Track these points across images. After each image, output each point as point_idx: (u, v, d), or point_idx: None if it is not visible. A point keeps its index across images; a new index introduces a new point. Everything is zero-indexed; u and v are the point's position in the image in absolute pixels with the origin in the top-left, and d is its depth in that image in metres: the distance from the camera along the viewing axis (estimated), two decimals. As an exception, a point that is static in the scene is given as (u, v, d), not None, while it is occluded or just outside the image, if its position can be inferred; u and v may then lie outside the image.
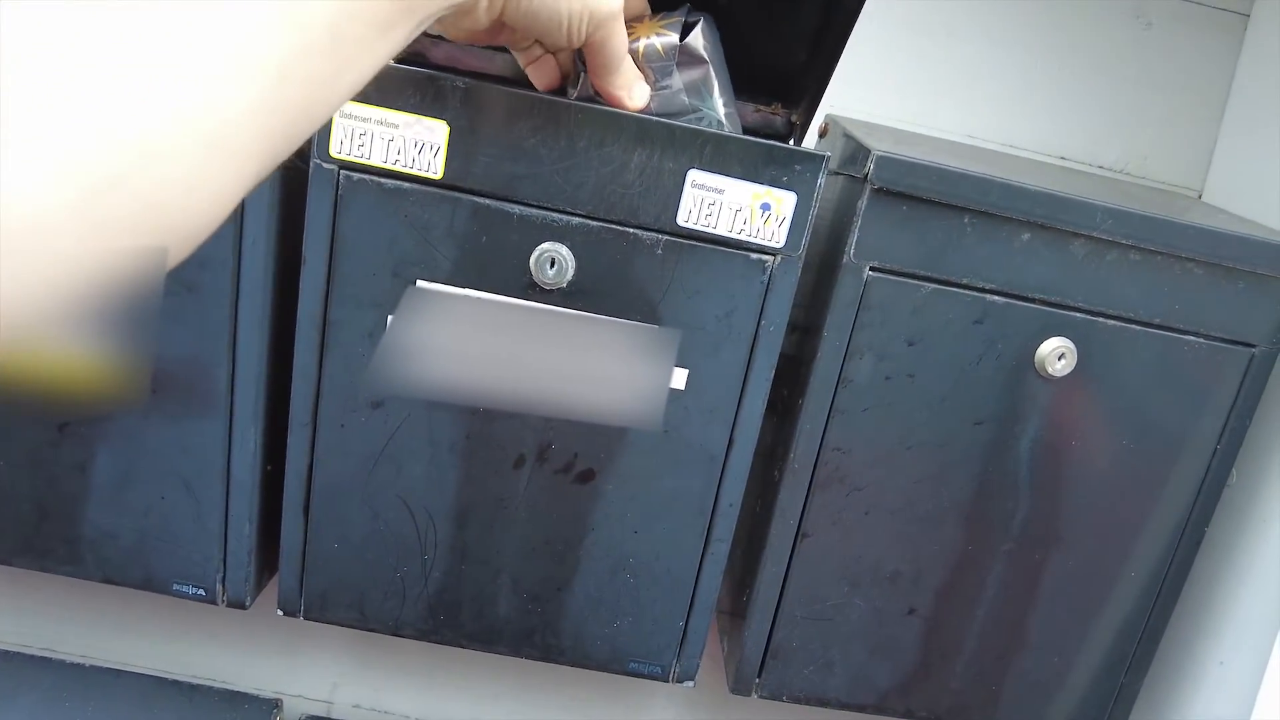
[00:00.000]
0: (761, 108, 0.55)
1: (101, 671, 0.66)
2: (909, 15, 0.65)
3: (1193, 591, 0.57)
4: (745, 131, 0.48)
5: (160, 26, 0.21)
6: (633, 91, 0.42)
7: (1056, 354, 0.49)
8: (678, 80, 0.44)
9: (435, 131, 0.45)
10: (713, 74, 0.44)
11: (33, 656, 0.66)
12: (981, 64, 0.66)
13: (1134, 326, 0.49)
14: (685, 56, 0.43)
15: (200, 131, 0.21)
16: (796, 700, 0.56)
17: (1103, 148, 0.67)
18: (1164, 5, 0.65)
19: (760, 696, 0.55)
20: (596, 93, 0.43)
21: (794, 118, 0.55)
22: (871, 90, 0.66)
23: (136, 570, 0.54)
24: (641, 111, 0.44)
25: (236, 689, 0.67)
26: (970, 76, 0.66)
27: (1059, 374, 0.49)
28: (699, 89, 0.44)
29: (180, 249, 0.22)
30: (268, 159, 0.24)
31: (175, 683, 0.66)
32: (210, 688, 0.66)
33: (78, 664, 0.66)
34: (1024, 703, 0.57)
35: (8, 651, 0.66)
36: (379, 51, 0.27)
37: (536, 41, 0.42)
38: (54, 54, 0.19)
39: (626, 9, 0.40)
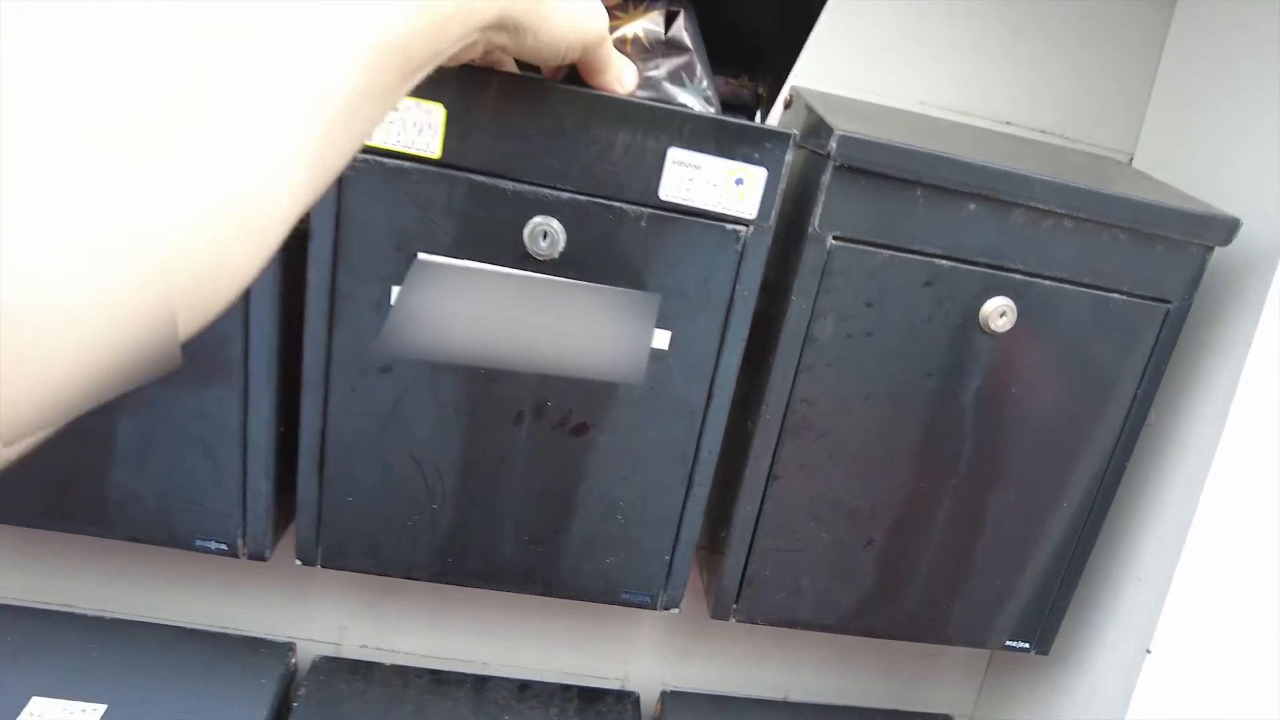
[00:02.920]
0: (730, 80, 0.59)
1: (123, 624, 0.70)
2: (869, -11, 0.69)
3: (1115, 518, 0.65)
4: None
5: (191, 123, 0.20)
6: (622, 80, 0.45)
7: (998, 312, 0.55)
8: (662, 69, 0.48)
9: (433, 114, 0.48)
10: (695, 61, 0.48)
11: (55, 611, 0.70)
12: (933, 35, 0.70)
13: (1066, 286, 0.55)
14: (670, 47, 0.47)
15: (235, 225, 0.21)
16: (769, 622, 0.62)
17: (1044, 113, 0.73)
18: (1104, -20, 0.70)
19: (737, 620, 0.62)
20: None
21: (760, 90, 0.59)
22: (831, 59, 0.70)
23: (160, 529, 0.58)
24: (624, 95, 0.48)
25: (252, 635, 0.72)
26: (923, 47, 0.71)
27: (1000, 330, 0.55)
28: (681, 75, 0.48)
29: (205, 317, 0.22)
30: (295, 219, 0.25)
31: (194, 631, 0.71)
32: (228, 635, 0.71)
33: (99, 617, 0.70)
34: (970, 620, 0.64)
35: (30, 608, 0.70)
36: (389, 107, 0.28)
37: None
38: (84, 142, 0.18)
39: None
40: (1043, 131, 0.73)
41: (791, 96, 0.63)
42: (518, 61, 0.48)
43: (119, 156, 0.19)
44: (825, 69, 0.70)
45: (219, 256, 0.21)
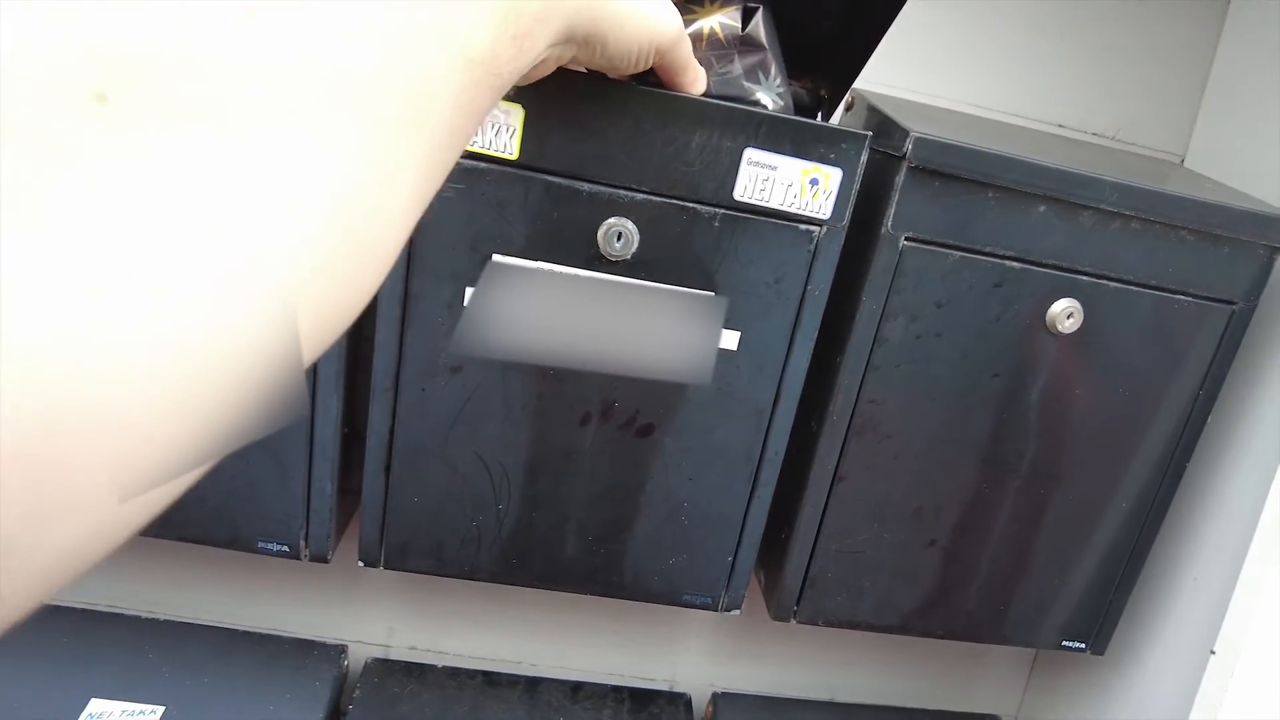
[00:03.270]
0: (793, 81, 0.59)
1: (175, 625, 0.70)
2: (922, -9, 0.69)
3: (1173, 519, 0.65)
4: (781, 105, 0.52)
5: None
6: (696, 85, 0.45)
7: (1066, 313, 0.55)
8: (738, 65, 0.48)
9: (511, 115, 0.48)
10: (770, 59, 0.48)
11: (111, 614, 0.70)
12: (984, 38, 0.70)
13: (1133, 288, 0.56)
14: (746, 44, 0.47)
15: (350, 244, 0.21)
16: (830, 624, 0.62)
17: (1096, 115, 0.73)
18: (1155, -17, 0.70)
19: (798, 622, 0.62)
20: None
21: (823, 92, 0.59)
22: (884, 61, 0.70)
23: (223, 530, 0.58)
24: (702, 94, 0.48)
25: (303, 637, 0.72)
26: (975, 50, 0.71)
27: (1067, 331, 0.55)
28: (756, 74, 0.48)
29: (321, 346, 0.22)
30: (406, 238, 0.25)
31: (247, 634, 0.71)
32: (281, 637, 0.71)
33: (152, 619, 0.70)
34: (1027, 620, 0.65)
35: (86, 610, 0.70)
36: (480, 124, 0.29)
37: None
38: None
39: None
40: (1095, 134, 0.73)
41: (853, 99, 0.63)
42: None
43: (233, 184, 0.18)
44: (879, 71, 0.70)
45: (336, 280, 0.21)
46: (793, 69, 0.58)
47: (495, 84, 0.28)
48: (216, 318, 0.17)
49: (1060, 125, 0.73)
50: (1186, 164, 0.74)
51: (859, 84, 0.69)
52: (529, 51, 0.30)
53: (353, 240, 0.21)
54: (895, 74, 0.70)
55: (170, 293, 0.16)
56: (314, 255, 0.20)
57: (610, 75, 0.44)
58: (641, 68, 0.41)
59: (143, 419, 0.16)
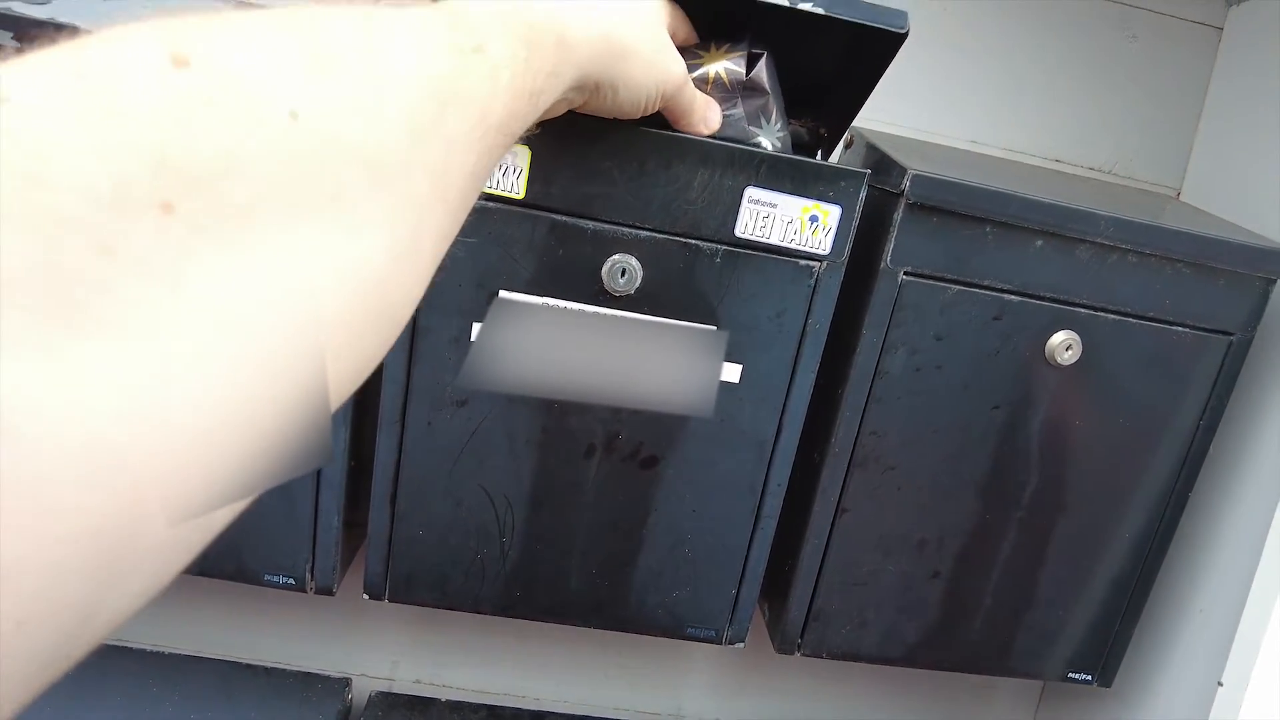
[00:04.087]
0: (793, 121, 0.61)
1: (179, 659, 0.70)
2: (917, 31, 0.71)
3: (1178, 550, 0.65)
4: (782, 145, 0.53)
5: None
6: (708, 121, 0.47)
7: (1064, 345, 0.55)
8: (740, 109, 0.49)
9: (518, 156, 0.50)
10: (772, 103, 0.49)
11: (114, 647, 0.70)
12: (982, 76, 0.72)
13: (1130, 319, 0.56)
14: (749, 89, 0.48)
15: (370, 305, 0.22)
16: (835, 657, 0.62)
17: (1092, 150, 0.74)
18: (1147, 21, 0.72)
19: (803, 655, 0.62)
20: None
21: (823, 130, 0.61)
22: (884, 99, 0.72)
23: (229, 563, 0.59)
24: (706, 135, 0.49)
25: (306, 670, 0.71)
26: (973, 87, 0.72)
27: (1066, 363, 0.56)
28: (759, 117, 0.49)
29: (336, 404, 0.23)
30: (419, 298, 0.26)
31: (250, 667, 0.70)
32: (285, 670, 0.71)
33: (156, 651, 0.70)
34: (1032, 651, 0.64)
35: (87, 642, 0.70)
36: (491, 173, 0.30)
37: None
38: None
39: (677, 38, 0.44)
40: (1092, 169, 0.74)
41: (852, 137, 0.64)
42: None
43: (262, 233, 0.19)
44: (879, 109, 0.71)
45: (362, 343, 0.22)
46: (793, 108, 0.59)
47: (508, 142, 0.29)
48: (267, 389, 0.19)
49: (1058, 160, 0.74)
50: (1183, 197, 0.75)
51: (858, 122, 0.70)
52: (542, 106, 0.31)
53: (379, 310, 0.23)
54: (894, 112, 0.72)
55: (233, 370, 0.18)
56: (349, 328, 0.21)
57: (618, 119, 0.46)
58: (648, 112, 0.43)
59: (198, 473, 0.18)
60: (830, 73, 0.56)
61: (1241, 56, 0.70)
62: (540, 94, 0.30)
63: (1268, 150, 0.66)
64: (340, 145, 0.20)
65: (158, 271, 0.16)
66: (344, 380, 0.22)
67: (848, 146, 0.64)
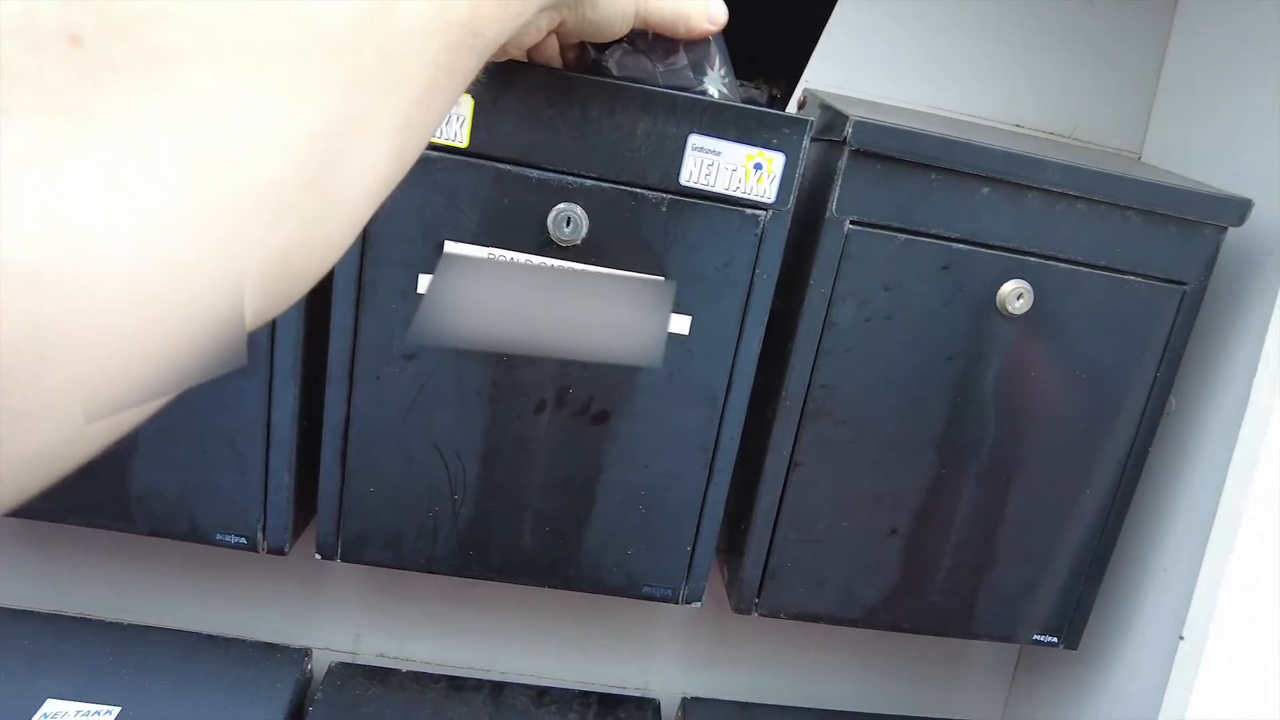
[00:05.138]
0: (745, 83, 0.61)
1: (138, 629, 0.69)
2: (876, -3, 0.71)
3: (1141, 507, 0.64)
4: (736, 102, 0.53)
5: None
6: (712, 16, 0.43)
7: (1015, 294, 0.55)
8: (684, 57, 0.49)
9: (461, 105, 0.50)
10: (714, 50, 0.49)
11: (71, 617, 0.70)
12: (940, 41, 0.72)
13: (1082, 269, 0.56)
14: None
15: (314, 197, 0.21)
16: (792, 617, 0.62)
17: (1054, 116, 0.74)
18: (1104, -14, 0.72)
19: (760, 615, 0.61)
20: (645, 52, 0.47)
21: (775, 92, 0.61)
22: (842, 68, 0.72)
23: (181, 523, 0.58)
24: (649, 85, 0.49)
25: (268, 641, 0.71)
26: (933, 54, 0.72)
27: (1018, 313, 0.56)
28: (702, 64, 0.50)
29: (287, 298, 0.22)
30: (380, 200, 0.25)
31: (210, 637, 0.70)
32: (243, 641, 0.70)
33: (115, 623, 0.70)
34: (996, 613, 0.64)
35: (46, 614, 0.70)
36: (464, 88, 0.28)
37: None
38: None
39: None
40: (1052, 134, 0.74)
41: (805, 97, 0.65)
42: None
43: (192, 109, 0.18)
44: (837, 75, 0.72)
45: (300, 230, 0.21)
46: (744, 71, 0.59)
47: (478, 45, 0.28)
48: (182, 251, 0.18)
49: (1017, 126, 0.74)
50: (1144, 160, 0.75)
51: (816, 86, 0.71)
52: (517, 15, 0.31)
53: (319, 192, 0.22)
54: (854, 79, 0.72)
55: (141, 222, 0.17)
56: (280, 200, 0.20)
57: (595, 41, 0.44)
58: (625, 30, 0.42)
59: (113, 341, 0.17)
60: (774, 32, 0.56)
61: (1199, 16, 0.71)
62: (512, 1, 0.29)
63: (1227, 110, 0.66)
64: (278, 11, 0.20)
65: (67, 107, 0.16)
66: (271, 269, 0.21)
67: (801, 107, 0.65)
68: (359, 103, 0.22)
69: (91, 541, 0.73)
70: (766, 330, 0.55)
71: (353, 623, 0.77)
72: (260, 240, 0.20)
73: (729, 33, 0.52)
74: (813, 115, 0.62)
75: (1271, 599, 0.58)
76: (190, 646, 0.69)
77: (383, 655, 0.77)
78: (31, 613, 0.69)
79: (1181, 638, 0.59)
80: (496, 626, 0.77)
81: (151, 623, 0.71)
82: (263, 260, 0.20)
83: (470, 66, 0.28)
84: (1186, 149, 0.70)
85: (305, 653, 0.70)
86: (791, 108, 0.63)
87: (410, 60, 0.24)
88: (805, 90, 0.66)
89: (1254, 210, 0.55)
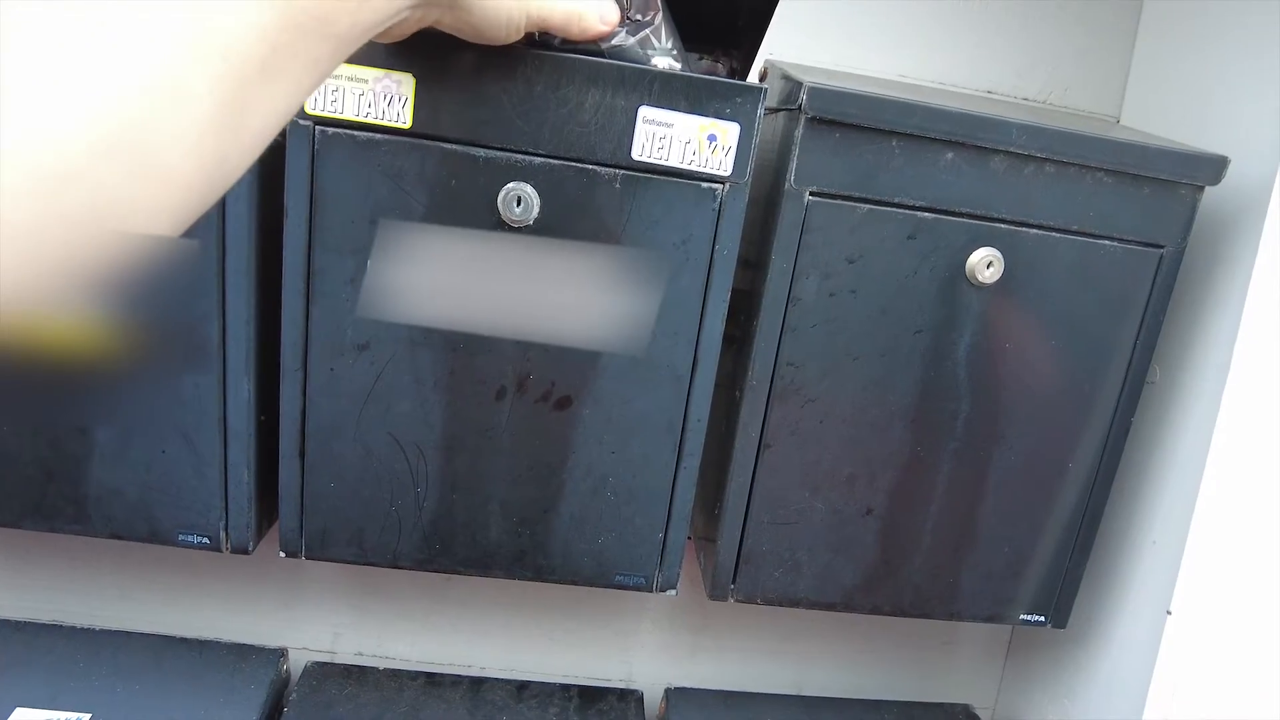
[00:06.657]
0: (704, 56, 0.59)
1: (111, 634, 0.69)
2: (841, -33, 0.69)
3: (1126, 480, 0.62)
4: (690, 74, 0.51)
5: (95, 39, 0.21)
6: (604, 17, 0.43)
7: (985, 263, 0.54)
8: (627, 36, 0.47)
9: (403, 84, 0.48)
10: (662, 23, 0.48)
11: (43, 625, 0.69)
12: (910, 8, 0.70)
13: (1054, 234, 0.54)
14: (639, 10, 0.47)
15: (128, 156, 0.22)
16: (769, 602, 0.60)
17: (1026, 81, 0.72)
18: (1076, -54, 0.70)
19: (735, 600, 0.60)
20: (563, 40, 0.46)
21: (734, 64, 0.59)
22: (806, 39, 0.70)
23: (141, 524, 0.57)
24: (598, 57, 0.47)
25: (243, 642, 0.70)
26: (900, 21, 0.71)
27: (988, 281, 0.54)
28: (649, 38, 0.48)
29: (161, 225, 0.23)
30: (213, 169, 0.25)
31: (184, 640, 0.69)
32: (218, 642, 0.69)
33: (87, 628, 0.69)
34: (980, 593, 0.62)
35: (17, 621, 0.69)
36: (319, 75, 0.28)
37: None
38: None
39: None
40: (1026, 99, 0.72)
41: (766, 69, 0.63)
42: None
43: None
44: (803, 45, 0.70)
45: (115, 188, 0.21)
46: (701, 45, 0.58)
47: (329, 33, 0.27)
48: None
49: (990, 93, 0.72)
50: (1122, 123, 0.73)
51: (779, 58, 0.69)
52: (374, 10, 0.30)
53: (133, 145, 0.21)
54: (818, 50, 0.70)
55: None
56: (88, 158, 0.21)
57: (483, 43, 0.44)
58: (516, 35, 0.41)
59: None
60: (731, 3, 0.54)
61: (1174, -24, 0.68)
62: None
63: (1204, 71, 0.64)
64: None
65: None
66: (98, 220, 0.21)
67: (762, 79, 0.63)
68: (175, 62, 0.22)
69: (65, 547, 0.72)
70: (730, 308, 0.53)
71: (331, 622, 0.76)
72: (73, 181, 0.20)
73: (684, 4, 0.51)
74: (774, 86, 0.61)
75: (1259, 570, 0.56)
76: (164, 650, 0.68)
77: (361, 654, 0.76)
78: (3, 621, 0.68)
79: (1169, 612, 0.57)
80: (477, 622, 0.76)
81: (124, 628, 0.70)
82: (76, 205, 0.21)
83: (323, 53, 0.27)
84: (1166, 111, 0.68)
85: (281, 653, 0.69)
86: (753, 80, 0.62)
87: (234, 30, 0.24)
88: (766, 62, 0.64)
89: (1231, 168, 0.53)
